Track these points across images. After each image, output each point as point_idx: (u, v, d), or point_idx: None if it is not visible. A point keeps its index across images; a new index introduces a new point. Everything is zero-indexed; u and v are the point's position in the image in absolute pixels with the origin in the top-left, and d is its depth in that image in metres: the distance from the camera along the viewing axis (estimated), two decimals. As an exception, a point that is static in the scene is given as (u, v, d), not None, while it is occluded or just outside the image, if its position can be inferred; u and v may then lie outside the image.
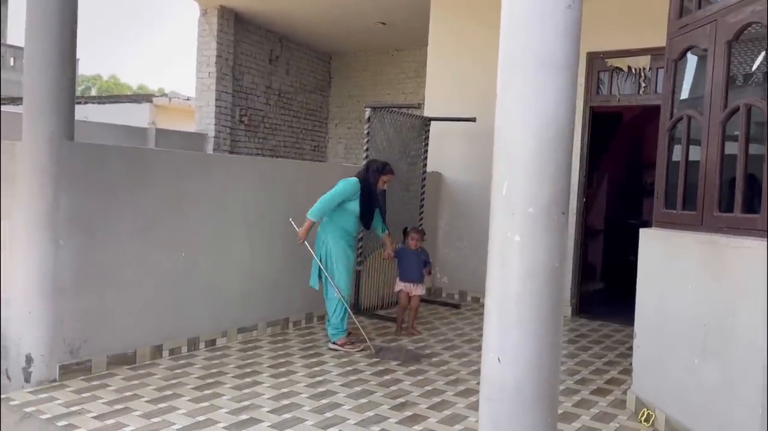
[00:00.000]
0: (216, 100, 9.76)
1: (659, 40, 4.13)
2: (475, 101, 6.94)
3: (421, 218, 7.00)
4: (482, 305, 6.88)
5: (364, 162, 5.47)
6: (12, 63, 21.82)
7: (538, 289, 2.17)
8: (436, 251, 7.52)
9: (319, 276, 5.02)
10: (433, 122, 7.10)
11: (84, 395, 3.74)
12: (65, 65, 3.90)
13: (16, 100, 13.29)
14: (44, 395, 3.71)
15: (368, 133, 6.27)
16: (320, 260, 4.95)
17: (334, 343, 4.98)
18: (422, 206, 7.00)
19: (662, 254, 3.67)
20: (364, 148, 6.26)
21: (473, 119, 6.76)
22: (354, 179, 5.03)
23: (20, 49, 21.94)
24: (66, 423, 3.35)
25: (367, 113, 6.30)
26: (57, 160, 3.84)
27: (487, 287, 2.29)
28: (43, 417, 3.41)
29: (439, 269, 7.56)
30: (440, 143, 7.31)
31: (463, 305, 6.97)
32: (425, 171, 7.05)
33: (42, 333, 3.85)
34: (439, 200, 7.52)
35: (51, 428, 3.30)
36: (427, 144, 7.06)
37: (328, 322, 5.05)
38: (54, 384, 3.87)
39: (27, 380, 3.84)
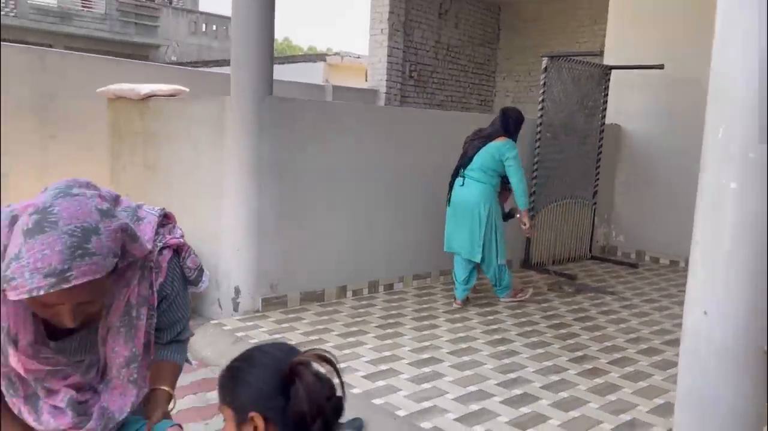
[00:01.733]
0: (388, 56, 9.99)
1: None
2: (663, 47, 6.43)
3: (597, 173, 6.72)
4: (662, 266, 6.57)
5: (500, 116, 4.83)
6: (204, 29, 23.86)
7: (755, 241, 2.02)
8: (612, 208, 7.20)
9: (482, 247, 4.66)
10: (613, 71, 6.70)
11: (283, 325, 4.16)
12: (265, 30, 4.24)
13: (209, 63, 14.62)
14: (250, 323, 4.18)
15: (545, 83, 6.09)
16: (482, 231, 4.63)
17: (504, 298, 4.97)
18: (599, 160, 6.70)
19: None
20: (540, 99, 6.11)
21: (661, 67, 6.27)
22: (513, 142, 4.71)
23: (212, 16, 24.02)
24: (270, 348, 3.76)
25: (544, 62, 6.10)
26: (259, 112, 4.21)
27: (693, 238, 2.18)
28: (252, 341, 3.87)
29: (614, 227, 7.24)
30: (620, 93, 6.88)
31: (641, 265, 6.63)
32: (603, 123, 6.72)
33: (248, 269, 4.32)
34: (618, 153, 7.13)
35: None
36: (606, 95, 6.70)
37: (496, 286, 4.88)
38: (257, 314, 4.35)
39: (235, 309, 4.35)
